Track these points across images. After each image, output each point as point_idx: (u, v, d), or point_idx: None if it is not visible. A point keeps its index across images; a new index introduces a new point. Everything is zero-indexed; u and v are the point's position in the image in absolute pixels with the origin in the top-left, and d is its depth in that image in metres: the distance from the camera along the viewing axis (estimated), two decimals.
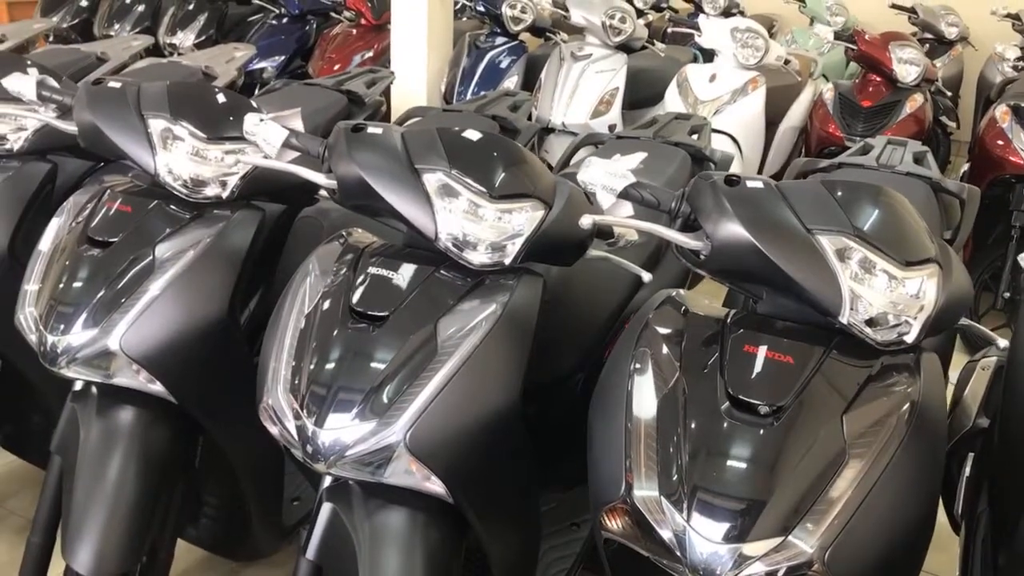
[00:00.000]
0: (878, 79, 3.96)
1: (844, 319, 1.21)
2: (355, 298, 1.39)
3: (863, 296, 1.20)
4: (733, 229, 1.21)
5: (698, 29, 4.23)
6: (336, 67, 4.67)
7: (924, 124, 3.85)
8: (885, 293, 1.20)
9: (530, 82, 4.38)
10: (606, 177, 1.29)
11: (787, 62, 3.99)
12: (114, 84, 1.67)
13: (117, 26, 5.21)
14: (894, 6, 5.55)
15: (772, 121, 4.09)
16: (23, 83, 1.72)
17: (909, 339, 1.22)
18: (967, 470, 1.61)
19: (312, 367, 1.34)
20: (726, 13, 5.90)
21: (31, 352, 1.58)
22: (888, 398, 1.19)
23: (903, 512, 1.15)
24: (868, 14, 5.99)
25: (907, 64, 3.85)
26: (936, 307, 1.22)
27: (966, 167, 3.83)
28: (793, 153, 4.33)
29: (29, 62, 1.89)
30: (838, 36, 4.09)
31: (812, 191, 1.26)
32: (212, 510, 1.90)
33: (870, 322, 1.22)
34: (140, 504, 1.55)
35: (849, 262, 1.21)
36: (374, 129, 1.45)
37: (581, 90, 4.05)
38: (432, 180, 1.40)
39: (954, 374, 1.82)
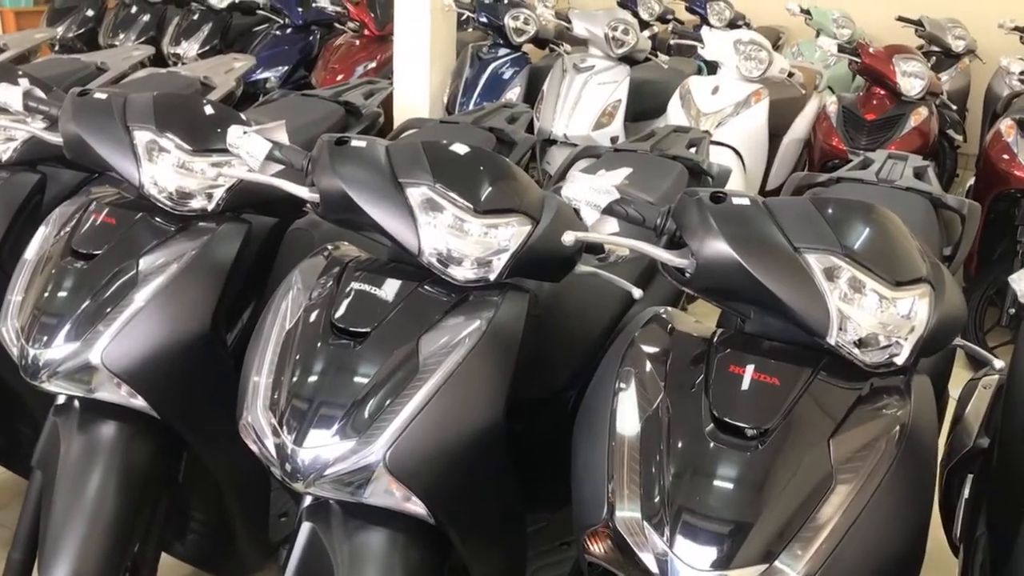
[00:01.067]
0: (882, 92, 3.93)
1: (832, 340, 1.18)
2: (337, 313, 1.37)
3: (852, 317, 1.17)
4: (718, 247, 1.18)
5: (701, 41, 4.21)
6: (339, 77, 4.67)
7: (929, 137, 3.82)
8: (875, 313, 1.17)
9: (532, 93, 4.37)
10: (590, 193, 1.26)
11: (791, 75, 3.97)
12: (100, 95, 1.66)
13: (122, 36, 5.24)
14: (901, 19, 5.52)
15: (776, 134, 4.06)
16: (9, 94, 1.71)
17: (899, 361, 1.19)
18: (966, 491, 1.58)
19: (292, 383, 1.32)
20: (731, 25, 5.89)
21: (15, 364, 1.56)
22: (877, 421, 1.16)
23: (892, 538, 1.11)
24: (875, 27, 5.97)
25: (911, 77, 3.82)
26: (927, 328, 1.19)
27: (972, 181, 3.80)
28: (796, 166, 4.30)
29: (20, 72, 1.88)
30: (842, 49, 4.06)
31: (800, 208, 1.23)
32: (198, 525, 1.88)
33: (859, 343, 1.19)
34: (120, 520, 1.53)
35: (837, 281, 1.18)
36: (358, 142, 1.44)
37: (583, 102, 4.04)
38: (416, 194, 1.38)
39: (955, 391, 1.78)
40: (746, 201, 1.23)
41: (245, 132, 1.46)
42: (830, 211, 1.23)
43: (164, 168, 1.59)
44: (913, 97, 3.83)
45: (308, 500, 1.39)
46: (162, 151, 1.60)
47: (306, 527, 1.38)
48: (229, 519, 1.80)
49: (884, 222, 1.24)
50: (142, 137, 1.60)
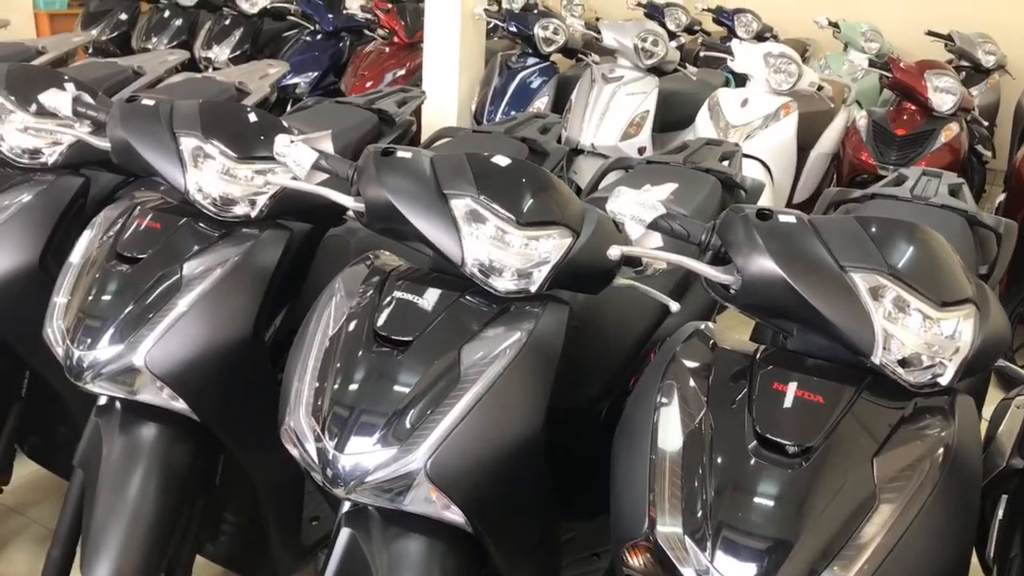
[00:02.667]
0: (913, 107, 3.91)
1: (876, 359, 1.18)
2: (380, 321, 1.39)
3: (896, 336, 1.17)
4: (764, 264, 1.19)
5: (731, 53, 4.21)
6: (368, 84, 4.70)
7: (959, 153, 3.80)
8: (919, 333, 1.17)
9: (560, 103, 4.38)
10: (635, 207, 1.27)
11: (820, 88, 3.97)
12: (147, 102, 1.68)
13: (155, 39, 5.30)
14: (930, 33, 5.50)
15: (804, 147, 4.05)
16: (59, 99, 1.74)
17: (943, 381, 1.19)
18: (1000, 513, 1.57)
19: (335, 390, 1.34)
20: (759, 37, 5.89)
21: (58, 365, 1.59)
22: (921, 441, 1.16)
23: (935, 560, 1.11)
24: (904, 40, 5.95)
25: (943, 93, 3.80)
26: (972, 349, 1.18)
27: (1002, 197, 3.77)
28: (824, 180, 4.28)
29: (66, 77, 1.91)
30: (872, 63, 4.05)
31: (846, 227, 1.23)
32: (231, 527, 1.89)
33: (903, 362, 1.18)
34: (160, 520, 1.55)
35: (883, 301, 1.18)
36: (403, 153, 1.45)
37: (612, 112, 4.04)
38: (460, 205, 1.39)
39: (988, 411, 1.77)
40: (792, 219, 1.23)
41: (292, 141, 1.48)
42: (875, 230, 1.23)
43: (209, 174, 1.61)
44: (945, 113, 3.82)
45: (347, 506, 1.40)
46: (207, 157, 1.61)
47: (345, 532, 1.39)
48: (262, 522, 1.82)
49: (930, 242, 1.24)
50: (188, 143, 1.62)
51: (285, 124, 1.71)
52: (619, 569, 1.27)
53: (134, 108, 1.67)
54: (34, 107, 1.84)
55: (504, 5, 6.26)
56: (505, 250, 1.38)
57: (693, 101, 4.19)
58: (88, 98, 1.78)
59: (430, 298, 1.40)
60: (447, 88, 4.47)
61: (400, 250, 1.58)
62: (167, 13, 5.45)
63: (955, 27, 5.57)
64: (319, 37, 5.20)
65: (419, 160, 1.44)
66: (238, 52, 5.15)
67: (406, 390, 1.31)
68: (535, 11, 5.50)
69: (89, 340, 1.53)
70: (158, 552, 1.55)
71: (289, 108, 4.31)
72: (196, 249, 1.60)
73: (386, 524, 1.37)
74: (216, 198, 1.62)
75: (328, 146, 1.54)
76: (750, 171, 3.50)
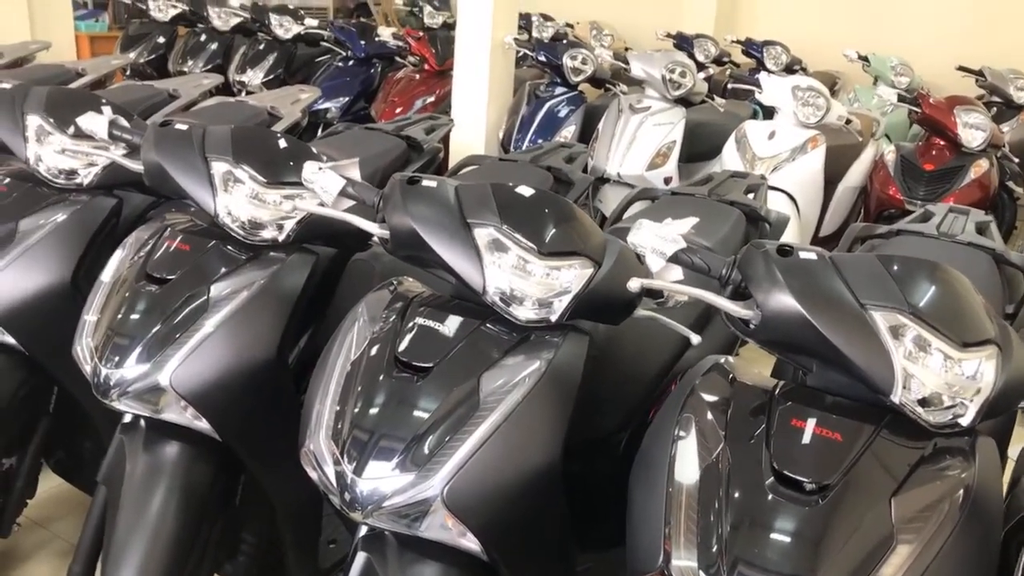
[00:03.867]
0: (942, 143, 3.90)
1: (896, 398, 1.17)
2: (401, 347, 1.40)
3: (916, 375, 1.17)
4: (784, 300, 1.19)
5: (758, 85, 4.22)
6: (398, 110, 4.77)
7: (989, 190, 3.77)
8: (940, 373, 1.17)
9: (587, 132, 4.41)
10: (656, 240, 1.28)
11: (848, 122, 3.96)
12: (180, 126, 1.72)
13: (191, 63, 5.41)
14: (961, 68, 5.48)
15: (831, 180, 4.03)
16: (96, 122, 1.79)
17: (964, 422, 1.18)
18: None
19: (355, 414, 1.35)
20: (788, 69, 5.90)
21: (87, 381, 1.61)
22: (941, 482, 1.15)
23: None
24: (934, 75, 5.94)
25: (972, 129, 3.78)
26: (994, 390, 1.18)
27: None
28: (852, 214, 4.26)
29: (104, 100, 1.96)
30: (902, 98, 4.04)
31: (867, 265, 1.23)
32: (249, 548, 1.90)
33: (923, 402, 1.18)
34: (180, 538, 1.56)
35: (903, 340, 1.18)
36: (429, 182, 1.47)
37: (638, 142, 4.06)
38: (483, 235, 1.40)
39: (1014, 450, 1.75)
40: (813, 255, 1.24)
41: (320, 168, 1.50)
42: (896, 268, 1.23)
43: (238, 198, 1.64)
44: (974, 149, 3.79)
45: (364, 530, 1.41)
46: (237, 182, 1.65)
47: (361, 557, 1.40)
48: (280, 543, 1.83)
49: (952, 281, 1.23)
50: (219, 168, 1.65)
51: (314, 151, 1.74)
52: None
53: (167, 132, 1.71)
54: (72, 129, 1.89)
55: (534, 35, 6.34)
56: (526, 279, 1.39)
57: (720, 132, 4.19)
58: (124, 121, 1.83)
59: (451, 325, 1.42)
60: (475, 116, 4.52)
61: (423, 276, 1.60)
62: (203, 37, 5.57)
63: (986, 63, 5.55)
64: (351, 63, 5.28)
65: (444, 189, 1.46)
66: (271, 76, 5.24)
67: (425, 416, 1.32)
68: (564, 41, 5.56)
69: (117, 358, 1.55)
70: (177, 570, 1.56)
71: (320, 133, 4.39)
72: (224, 271, 1.63)
73: (402, 549, 1.37)
74: (245, 222, 1.65)
75: (355, 173, 1.57)
76: (776, 204, 3.50)
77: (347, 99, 5.02)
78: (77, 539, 1.68)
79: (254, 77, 5.23)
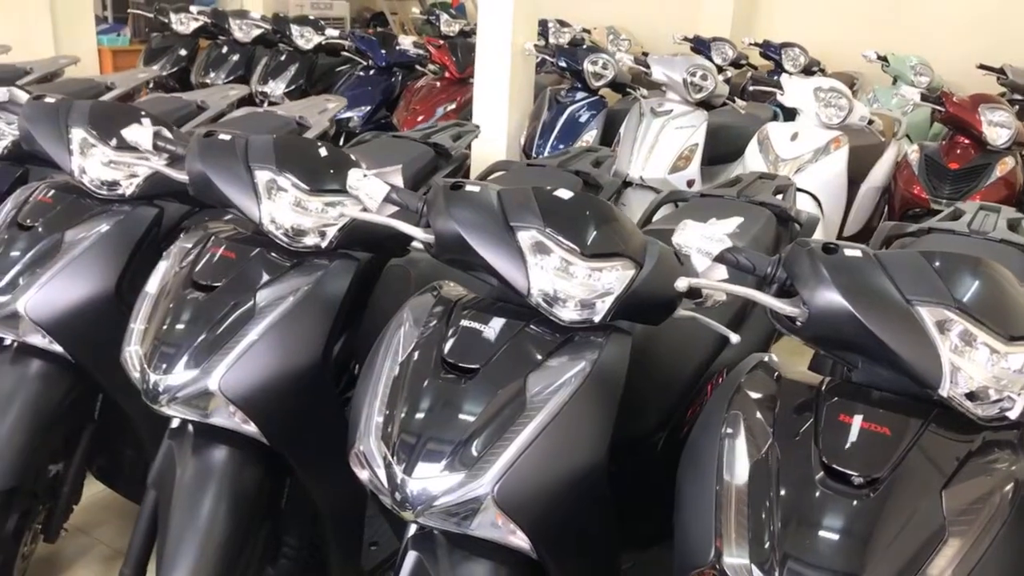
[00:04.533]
0: (966, 141, 3.89)
1: (944, 392, 1.19)
2: (447, 349, 1.43)
3: (963, 369, 1.18)
4: (831, 297, 1.21)
5: (779, 87, 4.23)
6: (420, 118, 4.80)
7: (1015, 188, 3.76)
8: (987, 367, 1.18)
9: (609, 137, 4.43)
10: (702, 240, 1.30)
11: (871, 122, 3.96)
12: (224, 137, 1.75)
13: (213, 74, 5.48)
14: (982, 67, 5.47)
15: (854, 180, 4.04)
16: (140, 134, 1.82)
17: (1013, 415, 1.19)
18: None
19: (403, 416, 1.37)
20: (807, 71, 5.90)
21: (132, 388, 1.65)
22: (990, 476, 1.16)
23: None
24: (954, 74, 5.92)
25: (997, 127, 3.78)
26: None
27: None
28: (875, 214, 4.26)
29: (143, 113, 2.00)
30: (925, 97, 4.04)
31: (911, 261, 1.25)
32: (292, 551, 1.93)
33: (971, 396, 1.19)
34: (231, 540, 1.59)
35: (949, 334, 1.19)
36: (472, 187, 1.50)
37: (660, 145, 4.08)
38: (526, 237, 1.43)
39: None
40: (858, 253, 1.25)
41: (365, 175, 1.53)
42: (940, 264, 1.24)
43: (282, 206, 1.67)
44: (999, 147, 3.79)
45: (414, 529, 1.43)
46: (280, 190, 1.67)
47: (412, 556, 1.42)
48: (323, 546, 1.86)
49: (995, 276, 1.25)
50: (263, 176, 1.68)
51: (353, 158, 1.77)
52: None
53: (212, 143, 1.74)
54: (114, 141, 1.93)
55: (551, 41, 6.37)
56: (570, 281, 1.41)
57: (742, 135, 4.21)
58: (167, 132, 1.87)
59: (495, 327, 1.44)
60: (497, 122, 4.55)
61: (461, 279, 1.63)
62: (225, 49, 5.63)
63: (1007, 61, 5.54)
64: (372, 72, 5.33)
65: (487, 194, 1.49)
66: (293, 87, 5.30)
67: (473, 417, 1.34)
68: (584, 46, 5.59)
69: (165, 364, 1.59)
70: (228, 572, 1.59)
71: (342, 142, 4.42)
72: (269, 278, 1.66)
73: (452, 548, 1.40)
74: (288, 229, 1.68)
75: (399, 180, 1.60)
76: (800, 205, 3.50)
77: (369, 108, 5.07)
78: (119, 544, 1.71)
79: (276, 88, 5.29)
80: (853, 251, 1.25)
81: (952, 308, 1.19)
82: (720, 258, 1.30)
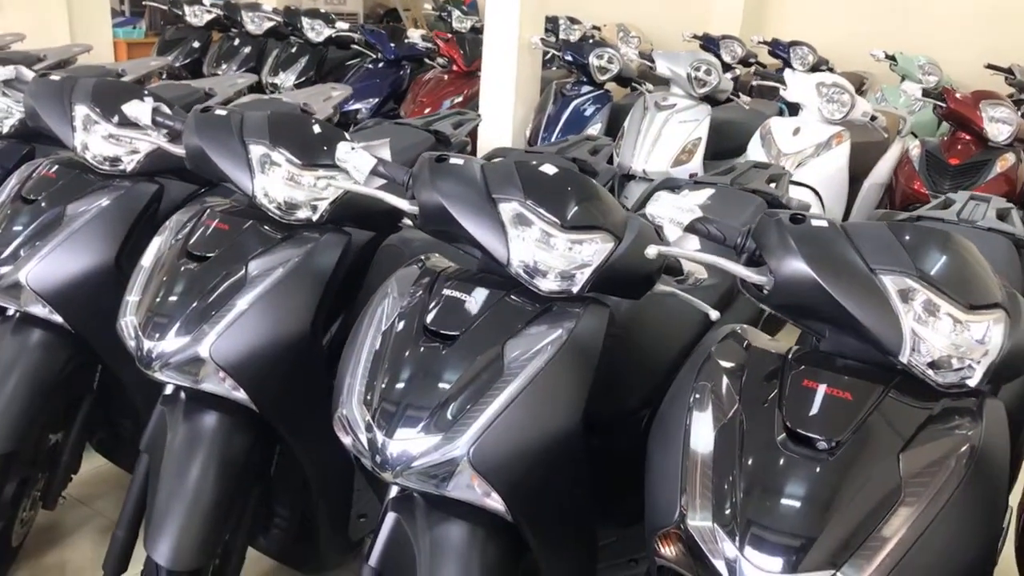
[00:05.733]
0: (967, 137, 3.90)
1: (905, 359, 1.21)
2: (429, 318, 1.46)
3: (925, 338, 1.21)
4: (796, 266, 1.24)
5: (783, 83, 4.24)
6: (427, 110, 4.85)
7: (1015, 184, 3.77)
8: (948, 336, 1.21)
9: (613, 130, 4.45)
10: (673, 211, 1.33)
11: (874, 118, 3.97)
12: (220, 112, 1.80)
13: (224, 66, 5.54)
14: (990, 66, 5.46)
15: (856, 177, 4.05)
16: (140, 109, 1.87)
17: (972, 383, 1.22)
18: None
19: (385, 382, 1.41)
20: (814, 69, 5.91)
21: (128, 358, 1.69)
22: (947, 440, 1.18)
23: (958, 556, 1.13)
24: (963, 74, 5.91)
25: (998, 123, 3.79)
26: (1001, 353, 1.21)
27: None
28: (877, 210, 4.27)
29: (146, 92, 2.05)
30: (927, 93, 4.05)
31: (877, 232, 1.27)
32: (282, 520, 1.97)
33: (932, 364, 1.22)
34: (218, 504, 1.63)
35: (912, 303, 1.22)
36: (456, 160, 1.54)
37: (664, 138, 4.09)
38: (507, 209, 1.46)
39: None
40: (824, 223, 1.28)
41: (353, 148, 1.57)
42: (907, 237, 1.27)
43: (275, 180, 1.72)
44: (1000, 143, 3.79)
45: (394, 491, 1.47)
46: (274, 164, 1.72)
47: (391, 517, 1.46)
48: (312, 516, 1.90)
49: (959, 249, 1.27)
50: (256, 151, 1.72)
51: (346, 135, 1.81)
52: (651, 562, 1.31)
53: (208, 118, 1.79)
54: (116, 118, 1.98)
55: (561, 35, 6.40)
56: (549, 252, 1.45)
57: (746, 130, 4.22)
58: (166, 109, 1.92)
59: (477, 296, 1.48)
60: (503, 115, 4.59)
61: (450, 254, 1.67)
62: (237, 41, 5.69)
63: (1016, 61, 5.53)
64: (380, 65, 5.38)
65: (470, 167, 1.52)
66: (303, 79, 5.35)
67: (452, 380, 1.38)
68: (591, 41, 5.62)
69: (159, 331, 1.63)
70: (215, 534, 1.64)
71: (349, 130, 4.46)
72: (261, 249, 1.70)
73: (430, 509, 1.44)
74: (281, 202, 1.72)
75: (386, 154, 1.64)
76: (801, 199, 3.52)
77: (377, 100, 5.11)
78: (116, 515, 1.75)
79: (286, 79, 5.34)
80: (820, 222, 1.28)
81: (915, 277, 1.22)
82: (691, 227, 1.33)
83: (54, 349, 1.98)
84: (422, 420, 1.35)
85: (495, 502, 1.36)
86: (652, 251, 1.34)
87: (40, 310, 1.93)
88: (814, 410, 1.22)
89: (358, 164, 1.56)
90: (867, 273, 1.23)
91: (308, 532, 1.95)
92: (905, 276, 1.22)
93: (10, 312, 1.99)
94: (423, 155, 1.55)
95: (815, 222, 1.28)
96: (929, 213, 2.30)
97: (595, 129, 4.49)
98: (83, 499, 2.43)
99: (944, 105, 3.95)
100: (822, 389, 1.24)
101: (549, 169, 1.54)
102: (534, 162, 1.55)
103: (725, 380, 1.31)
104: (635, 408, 1.88)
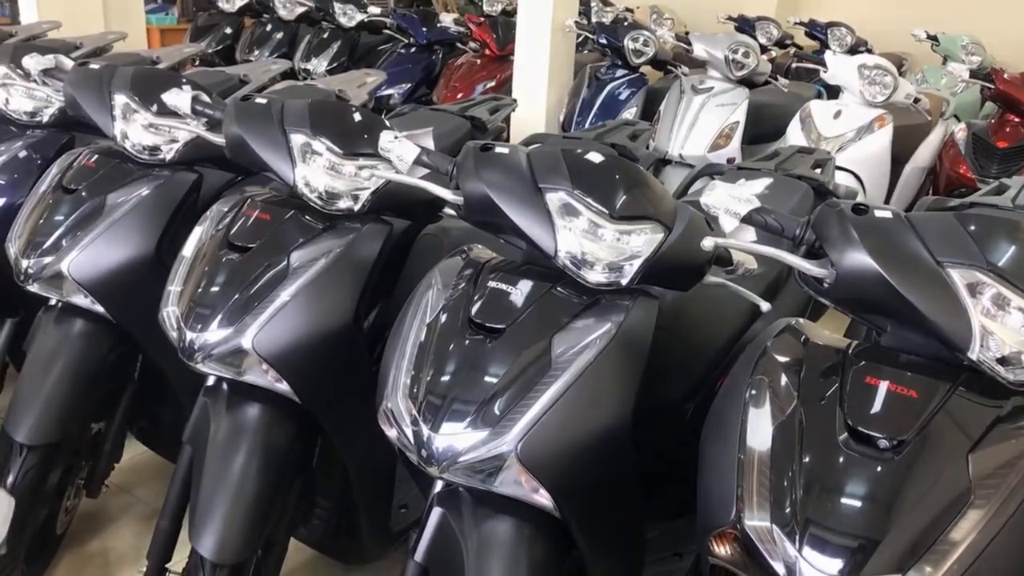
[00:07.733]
0: (1016, 119, 3.79)
1: (973, 355, 1.17)
2: (474, 310, 1.44)
3: (995, 333, 1.16)
4: (859, 258, 1.19)
5: (823, 65, 4.15)
6: (459, 95, 4.81)
7: None
8: (1019, 331, 1.16)
9: (649, 114, 4.39)
10: (730, 201, 1.29)
11: (917, 100, 3.88)
12: (260, 101, 1.78)
13: (257, 52, 5.54)
14: None
15: (899, 161, 3.96)
16: (179, 98, 1.86)
17: None
18: None
19: (431, 375, 1.39)
20: (853, 51, 5.79)
21: (169, 348, 1.69)
22: (1018, 441, 1.14)
23: None
24: (1007, 55, 5.76)
25: None
26: None
27: None
28: (920, 194, 4.18)
29: (184, 79, 2.03)
30: (974, 74, 3.94)
31: (943, 223, 1.22)
32: (324, 512, 1.97)
33: (1002, 360, 1.17)
34: (261, 496, 1.63)
35: (981, 297, 1.17)
36: (501, 149, 1.50)
37: (701, 123, 4.03)
38: (554, 199, 1.43)
39: None
40: (888, 214, 1.23)
41: (396, 137, 1.55)
42: (974, 227, 1.22)
43: (316, 169, 1.69)
44: None
45: (440, 486, 1.45)
46: (315, 153, 1.70)
47: (437, 512, 1.44)
48: (354, 507, 1.89)
49: None
50: (297, 140, 1.70)
51: (387, 123, 1.79)
52: (704, 560, 1.28)
53: (248, 107, 1.77)
54: (156, 107, 1.96)
55: (593, 18, 6.32)
56: (597, 243, 1.41)
57: (784, 113, 4.14)
58: (206, 97, 1.90)
59: (523, 288, 1.45)
60: (536, 99, 4.54)
61: (492, 244, 1.63)
62: (269, 27, 5.69)
63: None
64: (413, 50, 5.35)
65: (516, 155, 1.49)
66: (335, 64, 5.33)
67: (499, 375, 1.35)
68: (626, 23, 5.54)
69: (201, 323, 1.62)
70: (259, 527, 1.63)
71: (385, 116, 4.44)
72: (302, 240, 1.68)
73: (476, 505, 1.41)
74: (322, 192, 1.70)
75: (429, 143, 1.61)
76: (843, 183, 3.45)
77: (409, 85, 5.09)
78: (157, 503, 1.76)
79: (319, 65, 5.33)
80: (884, 212, 1.23)
81: (984, 271, 1.17)
82: (748, 219, 1.28)
83: (96, 339, 1.98)
84: (469, 414, 1.33)
85: (543, 498, 1.34)
86: (709, 243, 1.30)
87: (82, 300, 1.93)
88: (876, 408, 1.18)
89: (402, 153, 1.53)
90: (934, 266, 1.18)
91: (349, 523, 1.94)
92: (974, 269, 1.17)
93: (52, 302, 2.00)
94: (467, 144, 1.52)
95: (879, 213, 1.23)
96: (982, 199, 2.23)
97: (630, 113, 4.43)
98: (125, 487, 2.45)
99: (992, 86, 3.84)
100: (885, 386, 1.19)
101: (595, 157, 1.50)
102: (579, 150, 1.51)
103: (783, 376, 1.27)
104: (679, 401, 1.85)
